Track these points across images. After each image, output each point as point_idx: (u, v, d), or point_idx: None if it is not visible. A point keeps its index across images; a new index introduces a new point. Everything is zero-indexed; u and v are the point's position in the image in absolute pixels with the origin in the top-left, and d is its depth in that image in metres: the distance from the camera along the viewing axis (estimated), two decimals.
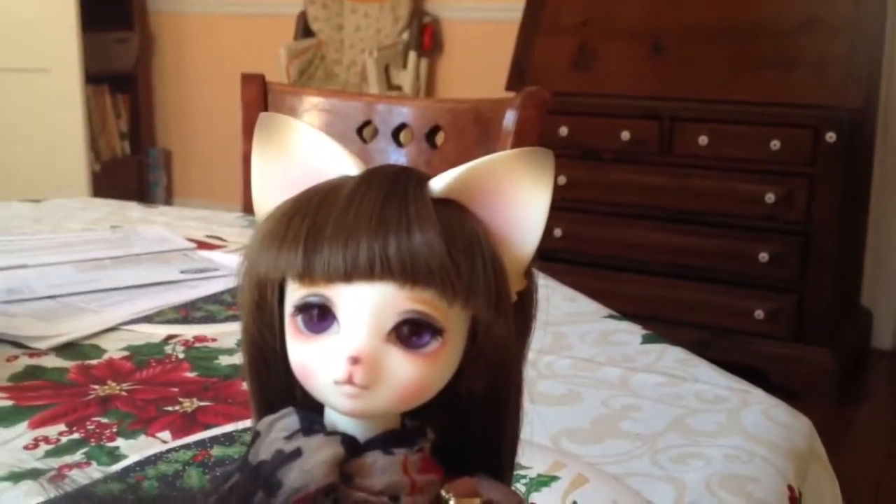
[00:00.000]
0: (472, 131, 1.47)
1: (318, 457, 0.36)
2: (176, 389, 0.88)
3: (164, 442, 0.77)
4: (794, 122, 2.62)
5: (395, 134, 1.55)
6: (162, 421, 0.81)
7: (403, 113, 1.55)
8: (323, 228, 0.37)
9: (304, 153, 0.40)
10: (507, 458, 0.42)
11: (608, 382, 0.92)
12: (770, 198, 2.65)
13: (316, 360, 0.37)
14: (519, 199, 0.39)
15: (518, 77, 2.82)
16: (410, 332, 0.37)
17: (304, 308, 0.37)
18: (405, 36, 3.28)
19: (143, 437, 0.78)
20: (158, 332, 1.02)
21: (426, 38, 3.27)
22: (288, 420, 0.39)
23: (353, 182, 0.38)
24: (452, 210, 0.38)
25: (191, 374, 0.92)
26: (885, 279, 3.07)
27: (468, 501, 0.37)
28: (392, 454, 0.37)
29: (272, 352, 0.40)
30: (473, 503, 0.37)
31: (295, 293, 0.38)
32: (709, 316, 2.79)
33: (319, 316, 0.37)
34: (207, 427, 0.80)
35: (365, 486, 0.37)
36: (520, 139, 1.39)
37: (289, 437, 0.37)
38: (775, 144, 2.64)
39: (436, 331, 0.37)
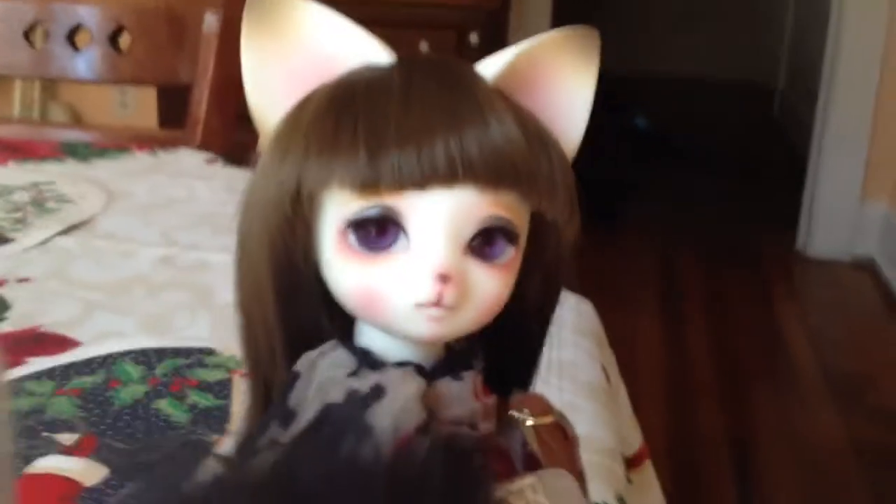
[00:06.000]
0: (163, 32, 1.35)
1: (404, 392, 0.31)
2: None
3: None
4: (439, 22, 2.70)
5: (71, 37, 1.38)
6: None
7: (79, 13, 1.38)
8: (385, 126, 0.31)
9: (313, 38, 0.33)
10: (536, 371, 0.39)
11: None
12: None
13: (388, 283, 0.31)
14: (565, 85, 0.36)
15: None
16: (485, 240, 0.32)
17: (360, 224, 0.32)
18: None
19: None
20: None
21: None
22: (336, 355, 0.33)
23: (398, 70, 0.33)
24: (510, 98, 0.34)
25: None
26: None
27: (543, 419, 0.35)
28: (461, 379, 0.33)
29: (304, 277, 0.34)
30: (547, 420, 0.35)
31: (344, 206, 0.32)
32: None
33: (379, 230, 0.32)
34: None
35: (444, 416, 0.32)
36: (226, 43, 1.30)
37: (355, 375, 0.32)
38: (423, 47, 2.69)
39: (511, 237, 0.33)
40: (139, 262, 0.86)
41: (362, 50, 0.34)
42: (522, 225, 0.33)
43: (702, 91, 4.12)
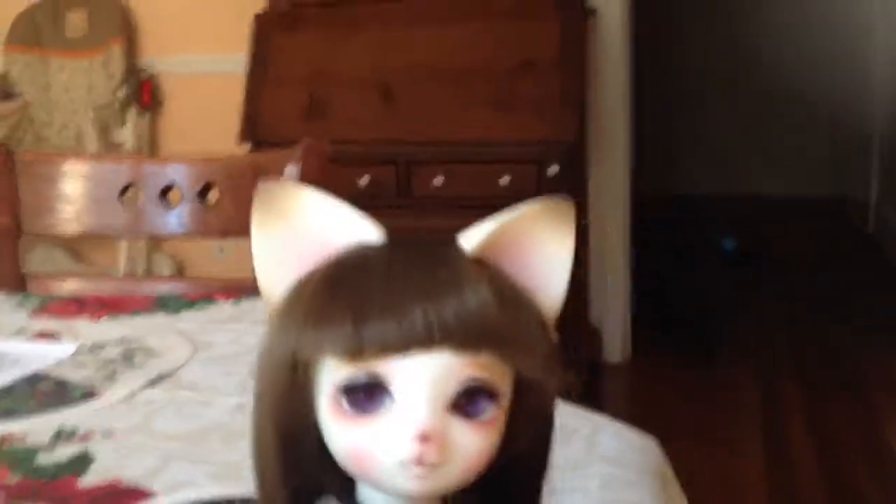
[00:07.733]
0: (249, 186, 1.43)
1: None
2: None
3: None
4: (520, 158, 2.77)
5: (162, 195, 1.48)
6: None
7: (169, 173, 1.49)
8: (369, 300, 0.35)
9: (313, 222, 0.38)
10: None
11: None
12: None
13: (373, 443, 0.35)
14: (545, 252, 0.39)
15: (250, 128, 2.78)
16: (467, 400, 0.35)
17: (350, 388, 0.35)
18: (121, 93, 3.14)
19: None
20: None
21: (145, 94, 3.15)
22: None
23: (385, 249, 0.37)
24: (488, 268, 0.37)
25: (12, 479, 0.82)
26: (607, 297, 3.29)
27: None
28: None
29: (307, 434, 0.37)
30: None
31: (336, 372, 0.35)
32: None
33: (367, 394, 0.35)
34: None
35: None
36: None
37: None
38: (504, 180, 2.77)
39: (493, 395, 0.36)
40: (217, 412, 0.90)
41: (356, 230, 0.38)
42: (503, 383, 0.36)
43: (792, 209, 4.09)
